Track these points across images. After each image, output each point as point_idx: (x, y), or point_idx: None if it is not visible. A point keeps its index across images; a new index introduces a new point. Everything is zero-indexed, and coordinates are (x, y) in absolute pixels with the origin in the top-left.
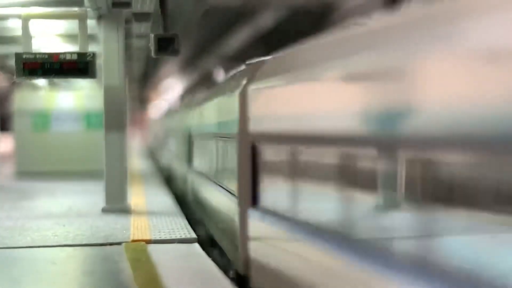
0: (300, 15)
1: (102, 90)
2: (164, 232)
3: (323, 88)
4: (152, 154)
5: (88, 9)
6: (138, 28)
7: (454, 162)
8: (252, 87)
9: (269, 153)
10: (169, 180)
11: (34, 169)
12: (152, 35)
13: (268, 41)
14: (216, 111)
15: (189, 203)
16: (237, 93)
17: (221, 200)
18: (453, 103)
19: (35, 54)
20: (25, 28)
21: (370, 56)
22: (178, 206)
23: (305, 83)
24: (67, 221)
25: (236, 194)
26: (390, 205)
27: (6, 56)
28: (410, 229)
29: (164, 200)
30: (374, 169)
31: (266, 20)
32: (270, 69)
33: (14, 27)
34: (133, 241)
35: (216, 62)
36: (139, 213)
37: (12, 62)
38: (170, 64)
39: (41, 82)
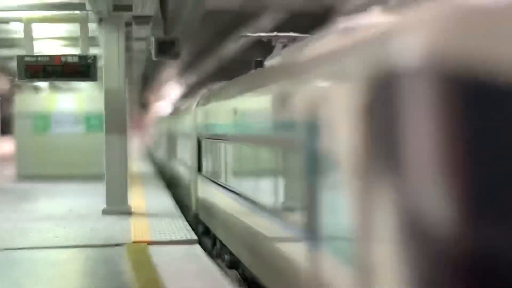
0: (299, 17)
1: (103, 92)
2: (164, 233)
3: (218, 111)
4: (149, 152)
5: (89, 12)
6: (139, 31)
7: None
8: (198, 107)
9: (203, 144)
10: (161, 168)
11: (35, 170)
12: (152, 38)
13: (267, 44)
14: (184, 119)
15: (172, 177)
16: (192, 110)
17: (185, 170)
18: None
19: (37, 56)
20: (27, 31)
21: (234, 99)
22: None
23: (212, 108)
24: (68, 223)
25: (191, 166)
26: (239, 168)
27: (7, 59)
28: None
29: (164, 201)
30: (236, 150)
31: (265, 23)
32: (204, 97)
33: (16, 30)
34: (134, 242)
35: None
36: (140, 214)
37: (13, 65)
38: (170, 67)
39: (42, 84)
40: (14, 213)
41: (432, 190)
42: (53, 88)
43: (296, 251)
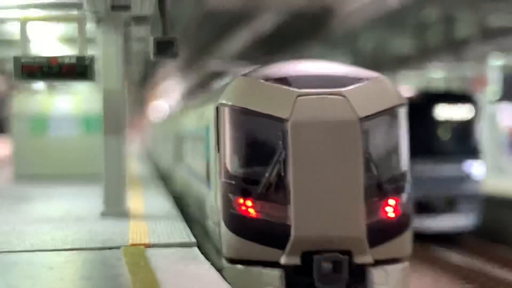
0: (299, 18)
1: (102, 93)
2: (162, 236)
3: (184, 119)
4: (148, 152)
5: (87, 12)
6: (137, 31)
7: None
8: (178, 115)
9: (180, 140)
10: (157, 163)
11: (33, 172)
12: (151, 38)
13: (267, 43)
14: (170, 124)
15: (164, 167)
16: (174, 117)
17: (170, 160)
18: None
19: (34, 57)
20: (24, 31)
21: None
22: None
23: (183, 116)
24: (65, 225)
25: (174, 156)
26: (187, 152)
27: (4, 60)
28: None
29: (162, 204)
30: (187, 142)
31: (265, 23)
32: (181, 108)
33: (13, 30)
34: (132, 245)
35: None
36: (138, 217)
37: (10, 66)
38: (169, 68)
39: (39, 85)
40: (12, 215)
41: (227, 158)
42: (51, 89)
43: (205, 188)
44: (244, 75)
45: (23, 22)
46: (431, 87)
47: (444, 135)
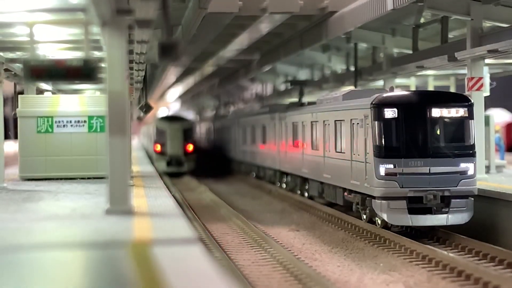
0: (297, 20)
1: (106, 94)
2: (166, 233)
3: (151, 124)
4: (142, 145)
5: (93, 16)
6: (140, 34)
7: None
8: (155, 121)
9: (149, 135)
10: (145, 149)
11: (38, 171)
12: (157, 42)
13: (265, 45)
14: (148, 128)
15: (147, 150)
16: (153, 121)
17: (147, 144)
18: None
19: (42, 60)
20: (31, 34)
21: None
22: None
23: (149, 126)
24: (72, 223)
25: (149, 142)
26: (149, 140)
27: (12, 61)
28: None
29: (166, 201)
30: (150, 136)
31: (263, 25)
32: (155, 117)
33: (21, 33)
34: (137, 242)
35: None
36: (142, 214)
37: (16, 66)
38: (169, 70)
39: (45, 86)
40: (19, 213)
41: (155, 137)
42: (56, 89)
43: (152, 147)
44: (158, 119)
45: (31, 26)
46: (426, 87)
47: (439, 133)
